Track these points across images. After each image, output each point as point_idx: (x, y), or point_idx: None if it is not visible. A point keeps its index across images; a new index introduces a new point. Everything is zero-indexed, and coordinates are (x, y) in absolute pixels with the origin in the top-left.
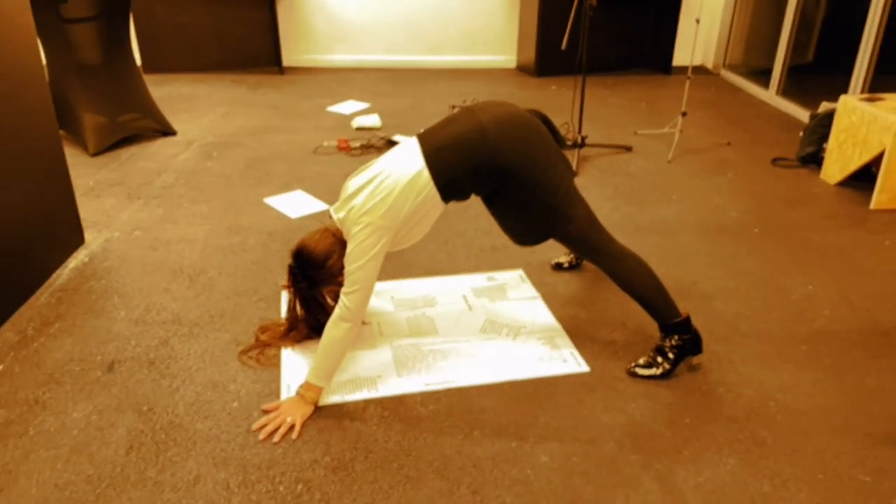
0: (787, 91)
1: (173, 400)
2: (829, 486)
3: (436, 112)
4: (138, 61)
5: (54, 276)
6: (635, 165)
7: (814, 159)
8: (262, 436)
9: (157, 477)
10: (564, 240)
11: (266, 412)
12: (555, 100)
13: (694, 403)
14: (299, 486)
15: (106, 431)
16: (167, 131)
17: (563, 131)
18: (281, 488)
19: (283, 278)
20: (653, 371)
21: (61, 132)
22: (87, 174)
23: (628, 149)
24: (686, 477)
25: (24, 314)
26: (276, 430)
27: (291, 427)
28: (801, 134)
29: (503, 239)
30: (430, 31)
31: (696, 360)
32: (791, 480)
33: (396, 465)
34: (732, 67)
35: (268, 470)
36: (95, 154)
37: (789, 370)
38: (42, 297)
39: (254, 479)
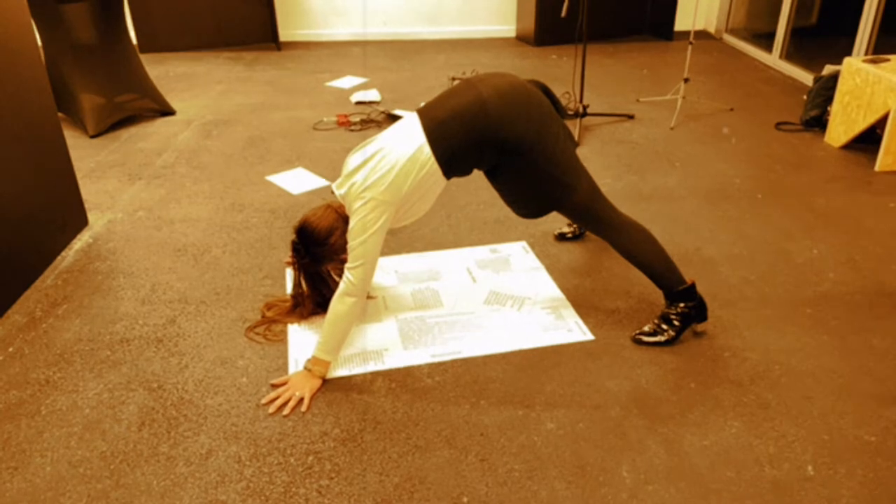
0: (790, 54)
1: (183, 377)
2: (834, 447)
3: (435, 85)
4: (134, 41)
5: (59, 258)
6: (638, 133)
7: (818, 123)
8: (271, 409)
9: (169, 452)
10: (567, 211)
11: (275, 387)
12: (555, 69)
13: (699, 368)
14: (310, 458)
15: (118, 409)
16: (166, 111)
17: (564, 101)
18: (292, 460)
19: (287, 255)
20: (657, 338)
21: (60, 114)
22: (87, 156)
23: (630, 117)
24: (692, 441)
25: (31, 296)
26: (286, 403)
27: (300, 401)
28: (804, 97)
29: (506, 211)
30: (428, 2)
31: (700, 326)
32: (796, 442)
33: (405, 435)
34: (735, 31)
35: (278, 443)
36: (95, 135)
37: (794, 333)
38: (48, 279)
39: (265, 451)
